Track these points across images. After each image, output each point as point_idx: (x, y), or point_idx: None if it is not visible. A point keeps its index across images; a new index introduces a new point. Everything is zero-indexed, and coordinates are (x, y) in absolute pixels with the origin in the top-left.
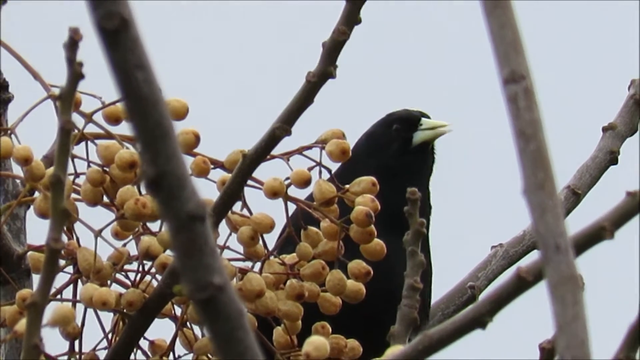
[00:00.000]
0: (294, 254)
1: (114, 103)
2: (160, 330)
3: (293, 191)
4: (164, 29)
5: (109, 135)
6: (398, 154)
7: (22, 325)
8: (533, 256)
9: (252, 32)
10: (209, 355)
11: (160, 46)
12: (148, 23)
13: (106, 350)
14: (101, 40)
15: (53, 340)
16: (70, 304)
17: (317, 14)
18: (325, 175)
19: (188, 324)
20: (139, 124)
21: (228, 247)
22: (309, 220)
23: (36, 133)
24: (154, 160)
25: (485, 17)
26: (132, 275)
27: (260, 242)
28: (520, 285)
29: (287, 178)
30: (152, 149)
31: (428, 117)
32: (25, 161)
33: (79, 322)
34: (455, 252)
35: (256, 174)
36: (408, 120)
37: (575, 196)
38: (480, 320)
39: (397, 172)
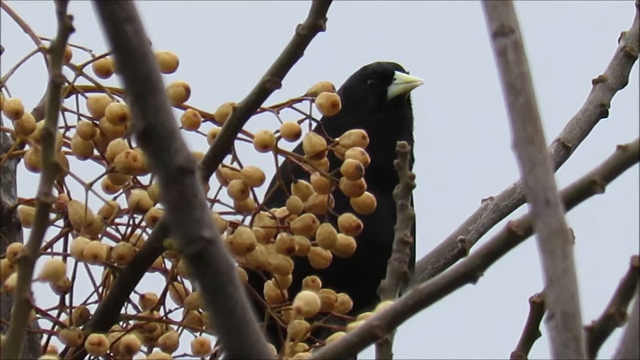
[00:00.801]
0: (284, 208)
1: (104, 56)
2: (151, 284)
3: (283, 144)
4: None
5: (99, 88)
6: (374, 109)
7: (12, 279)
8: (524, 209)
9: None
10: (200, 309)
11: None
12: None
13: (97, 304)
14: None
15: (44, 294)
16: (60, 257)
17: None
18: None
19: (179, 277)
20: (128, 77)
21: (218, 201)
22: (298, 173)
23: (27, 86)
24: (143, 113)
25: None
26: (122, 229)
27: (251, 195)
28: (511, 239)
29: (277, 131)
30: (141, 102)
31: (402, 69)
32: (16, 114)
33: (69, 276)
34: (445, 205)
35: (246, 126)
36: (382, 74)
37: (566, 149)
38: (471, 275)
39: (374, 127)
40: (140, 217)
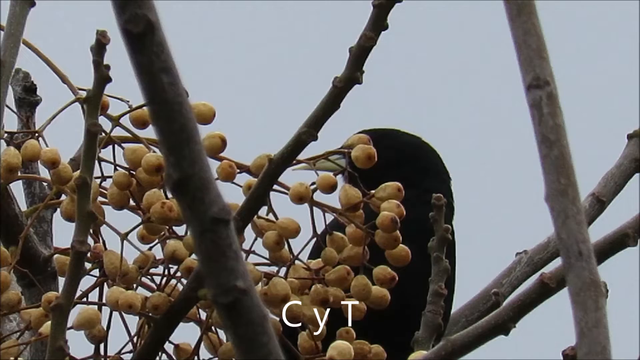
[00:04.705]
0: (319, 259)
1: (141, 107)
2: (185, 334)
3: (319, 196)
4: (190, 32)
5: (136, 139)
6: None
7: (47, 327)
8: (557, 263)
9: (278, 36)
10: (234, 359)
11: (187, 50)
12: (173, 24)
13: (131, 354)
14: (127, 43)
15: (78, 343)
16: (95, 307)
17: (344, 17)
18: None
19: (213, 328)
20: (163, 128)
21: (254, 252)
22: (334, 225)
23: (64, 136)
24: (179, 164)
25: (510, 24)
26: (157, 279)
27: (286, 246)
28: (544, 291)
29: (313, 183)
30: (176, 153)
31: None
32: (53, 164)
33: (104, 325)
34: (479, 258)
35: (282, 178)
36: None
37: (600, 203)
38: (503, 327)
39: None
40: (175, 267)
